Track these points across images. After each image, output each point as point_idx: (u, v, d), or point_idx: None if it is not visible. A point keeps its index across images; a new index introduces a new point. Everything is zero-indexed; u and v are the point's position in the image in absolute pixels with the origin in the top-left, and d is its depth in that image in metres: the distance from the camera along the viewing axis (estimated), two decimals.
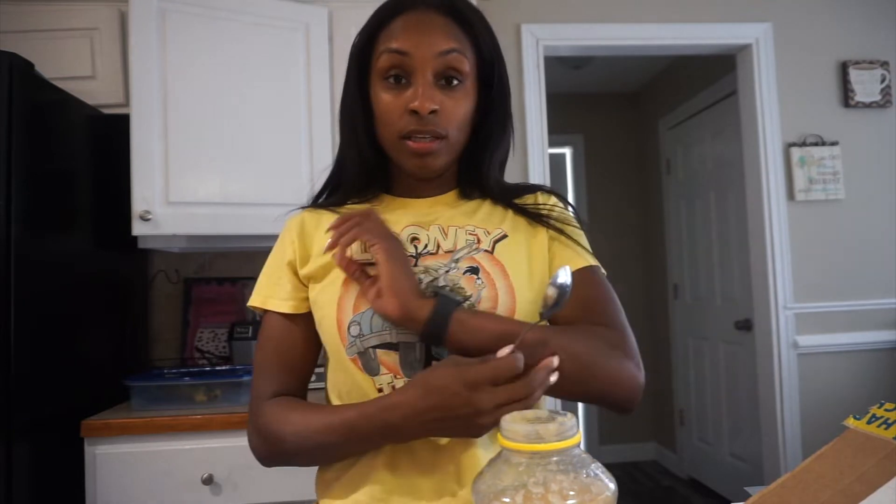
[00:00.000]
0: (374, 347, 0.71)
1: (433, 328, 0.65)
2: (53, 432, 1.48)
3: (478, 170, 0.82)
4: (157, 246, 1.87)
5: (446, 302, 0.66)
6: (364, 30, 0.79)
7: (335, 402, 0.78)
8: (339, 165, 0.85)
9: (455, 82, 0.74)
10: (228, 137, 1.72)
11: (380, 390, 0.71)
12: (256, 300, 0.80)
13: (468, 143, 0.80)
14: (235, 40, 1.74)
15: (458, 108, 0.75)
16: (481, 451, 0.71)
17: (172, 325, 2.09)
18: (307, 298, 0.78)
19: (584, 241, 0.80)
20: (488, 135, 0.81)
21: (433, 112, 0.72)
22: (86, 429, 1.49)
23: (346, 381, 0.74)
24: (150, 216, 1.63)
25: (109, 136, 1.78)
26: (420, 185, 0.82)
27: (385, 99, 0.75)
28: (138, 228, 1.63)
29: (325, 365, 0.80)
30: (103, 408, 1.62)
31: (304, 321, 0.78)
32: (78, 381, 1.61)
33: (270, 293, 0.80)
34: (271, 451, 0.74)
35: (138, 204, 1.63)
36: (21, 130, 1.39)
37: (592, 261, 0.78)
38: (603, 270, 0.80)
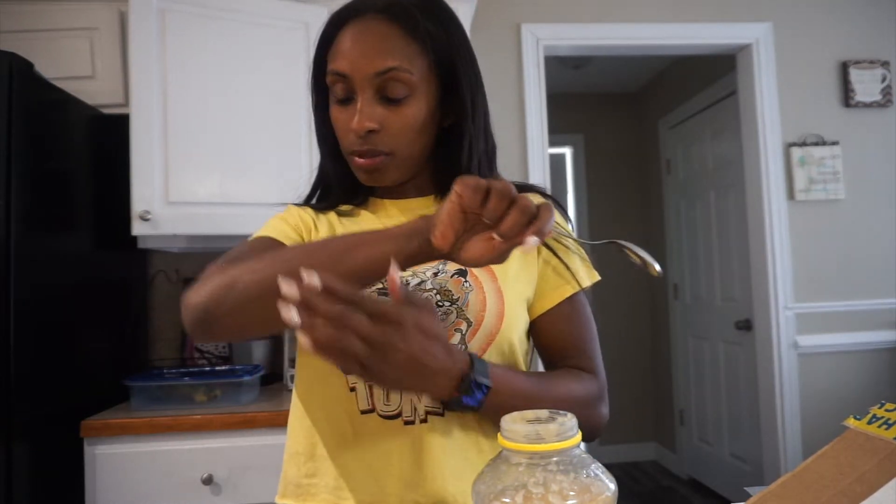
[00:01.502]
0: None
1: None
2: (53, 432, 1.48)
3: (456, 171, 0.78)
4: (156, 246, 1.87)
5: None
6: (318, 44, 0.78)
7: (304, 401, 0.78)
8: (321, 172, 0.86)
9: (400, 95, 0.72)
10: (228, 137, 1.72)
11: (352, 389, 0.71)
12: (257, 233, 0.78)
13: (441, 142, 0.79)
14: (235, 40, 1.74)
15: (403, 123, 0.73)
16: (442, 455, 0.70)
17: (172, 325, 2.09)
18: None
19: (575, 259, 0.79)
20: (461, 134, 0.78)
21: (373, 131, 0.72)
22: (86, 429, 1.49)
23: (318, 377, 0.74)
24: (149, 216, 1.63)
25: (109, 136, 1.78)
26: (397, 190, 0.82)
27: (335, 117, 0.75)
28: (138, 228, 1.63)
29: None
30: (103, 408, 1.62)
31: None
32: (78, 381, 1.61)
33: (278, 230, 0.78)
34: (213, 302, 0.63)
35: (138, 204, 1.63)
36: (21, 130, 1.39)
37: (582, 282, 0.78)
38: (594, 275, 0.80)
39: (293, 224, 0.80)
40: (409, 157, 0.76)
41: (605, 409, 0.76)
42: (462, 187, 0.54)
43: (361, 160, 0.74)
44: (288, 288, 0.50)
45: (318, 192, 0.87)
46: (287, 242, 0.76)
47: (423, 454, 0.70)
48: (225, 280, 0.63)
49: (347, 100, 0.73)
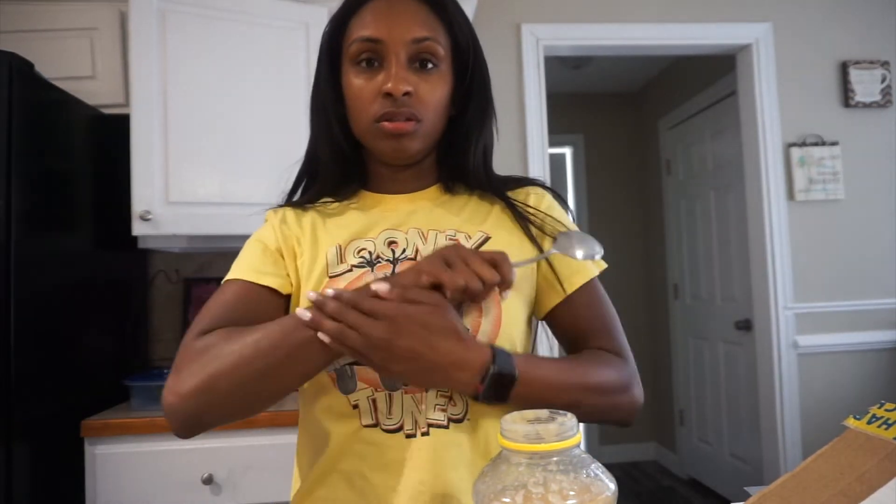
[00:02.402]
0: (351, 364, 0.68)
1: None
2: (53, 432, 1.48)
3: (461, 160, 0.79)
4: (157, 246, 1.87)
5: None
6: (334, 18, 0.78)
7: (308, 418, 0.75)
8: (310, 161, 0.83)
9: (430, 65, 0.73)
10: (228, 137, 1.72)
11: (355, 406, 0.69)
12: (234, 275, 0.74)
13: (446, 133, 0.79)
14: (235, 40, 1.74)
15: (433, 92, 0.73)
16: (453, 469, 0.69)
17: (172, 325, 2.09)
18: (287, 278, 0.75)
19: (572, 255, 0.77)
20: (468, 124, 0.79)
21: (407, 94, 0.71)
22: (86, 429, 1.49)
23: (322, 395, 0.71)
24: (150, 216, 1.63)
25: (109, 136, 1.78)
26: (398, 179, 0.80)
27: (357, 84, 0.73)
28: (138, 228, 1.63)
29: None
30: (103, 408, 1.62)
31: (282, 302, 0.74)
32: (78, 381, 1.61)
33: (253, 268, 0.74)
34: (203, 398, 0.65)
35: (138, 204, 1.63)
36: (21, 130, 1.39)
37: (593, 271, 0.77)
38: (602, 263, 0.78)
39: (274, 249, 0.76)
40: (431, 131, 0.76)
41: (638, 392, 0.73)
42: (434, 276, 0.61)
43: (391, 124, 0.72)
44: (302, 312, 0.60)
45: (304, 182, 0.84)
46: (265, 282, 0.72)
47: (426, 466, 0.68)
48: (204, 380, 0.63)
49: (373, 66, 0.73)
